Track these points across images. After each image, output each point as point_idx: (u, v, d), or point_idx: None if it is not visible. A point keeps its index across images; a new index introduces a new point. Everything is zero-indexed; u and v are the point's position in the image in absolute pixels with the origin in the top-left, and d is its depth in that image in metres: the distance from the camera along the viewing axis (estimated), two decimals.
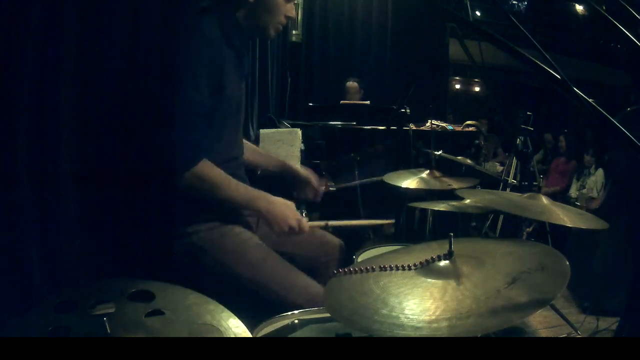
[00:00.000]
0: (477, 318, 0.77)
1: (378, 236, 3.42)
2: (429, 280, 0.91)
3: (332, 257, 1.72)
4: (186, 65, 1.40)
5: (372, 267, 1.00)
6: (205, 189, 1.41)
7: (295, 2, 1.59)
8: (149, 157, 1.77)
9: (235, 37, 1.51)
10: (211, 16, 1.48)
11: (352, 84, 4.35)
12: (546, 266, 0.91)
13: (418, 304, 0.84)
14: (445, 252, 0.95)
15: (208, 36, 1.43)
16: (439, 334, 0.75)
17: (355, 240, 1.87)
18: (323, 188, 1.81)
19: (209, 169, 1.41)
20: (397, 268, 0.97)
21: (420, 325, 0.78)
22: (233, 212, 1.54)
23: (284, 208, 1.48)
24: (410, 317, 0.80)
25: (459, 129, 3.75)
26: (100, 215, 1.90)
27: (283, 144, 2.56)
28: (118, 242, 1.96)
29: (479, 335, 0.77)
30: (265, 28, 1.54)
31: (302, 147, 2.61)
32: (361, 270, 1.01)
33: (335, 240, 1.77)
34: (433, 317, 0.79)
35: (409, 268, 0.97)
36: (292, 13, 1.57)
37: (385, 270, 0.98)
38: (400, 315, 0.81)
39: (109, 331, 0.87)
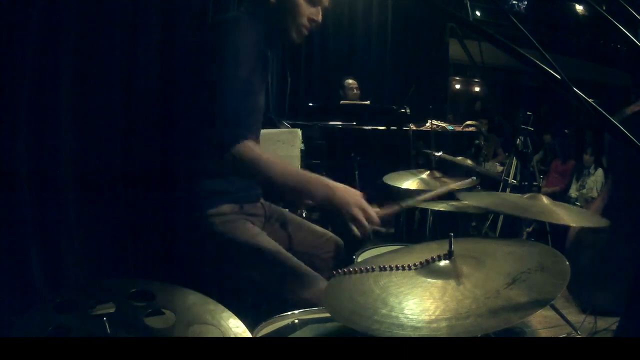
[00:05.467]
0: (477, 318, 0.77)
1: (378, 236, 3.42)
2: (429, 280, 0.91)
3: (332, 255, 1.74)
4: (230, 51, 1.40)
5: (372, 267, 1.00)
6: (248, 169, 1.37)
7: (323, 6, 1.55)
8: (172, 151, 1.77)
9: (261, 40, 1.50)
10: (250, 16, 1.49)
11: (350, 80, 4.36)
12: (546, 266, 0.91)
13: (418, 304, 0.84)
14: (445, 252, 0.95)
15: (247, 30, 1.44)
16: (438, 334, 0.75)
17: (355, 240, 1.87)
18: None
19: (250, 150, 1.35)
20: (397, 268, 0.97)
21: (419, 325, 0.78)
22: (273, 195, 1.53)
23: (344, 194, 1.35)
24: (410, 317, 0.80)
25: (459, 129, 3.75)
26: (104, 213, 1.90)
27: (283, 144, 2.56)
28: (124, 240, 1.96)
29: (478, 336, 0.77)
30: (286, 30, 1.53)
31: (302, 147, 2.61)
32: (361, 270, 1.01)
33: (336, 239, 1.79)
34: (433, 317, 0.79)
35: (409, 268, 0.97)
36: (318, 17, 1.54)
37: (385, 270, 0.98)
38: (400, 315, 0.81)
39: (108, 331, 0.87)
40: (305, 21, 1.53)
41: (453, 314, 0.79)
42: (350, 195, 1.35)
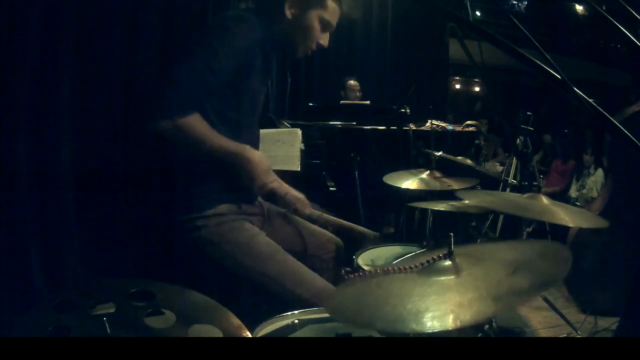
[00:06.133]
0: (480, 305, 0.76)
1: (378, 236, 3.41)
2: (431, 279, 0.91)
3: (332, 255, 1.74)
4: (215, 37, 1.41)
5: (377, 270, 0.99)
6: (188, 143, 1.38)
7: (331, 31, 1.59)
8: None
9: (268, 42, 1.51)
10: (256, 15, 1.50)
11: (352, 82, 4.35)
12: (547, 255, 0.90)
13: (420, 300, 0.83)
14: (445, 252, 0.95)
15: (246, 25, 1.44)
16: (442, 326, 0.74)
17: (355, 240, 1.87)
18: (306, 211, 1.77)
19: (196, 125, 1.37)
20: (400, 269, 0.97)
21: (423, 318, 0.77)
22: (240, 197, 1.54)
23: (254, 168, 1.45)
24: (413, 311, 0.79)
25: (459, 129, 3.75)
26: (103, 214, 1.90)
27: (283, 144, 2.55)
28: (123, 241, 1.97)
29: (480, 333, 0.77)
30: (294, 47, 1.56)
31: (302, 147, 2.61)
32: (371, 273, 0.99)
33: (336, 239, 1.78)
34: (436, 311, 0.78)
35: (410, 269, 0.96)
36: (325, 42, 1.58)
37: (389, 272, 0.97)
38: (402, 311, 0.80)
39: (109, 331, 0.87)
40: (313, 45, 1.56)
41: (456, 305, 0.78)
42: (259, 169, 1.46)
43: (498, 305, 0.76)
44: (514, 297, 0.77)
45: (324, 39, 1.58)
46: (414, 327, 0.75)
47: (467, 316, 0.74)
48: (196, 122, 1.37)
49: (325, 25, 1.55)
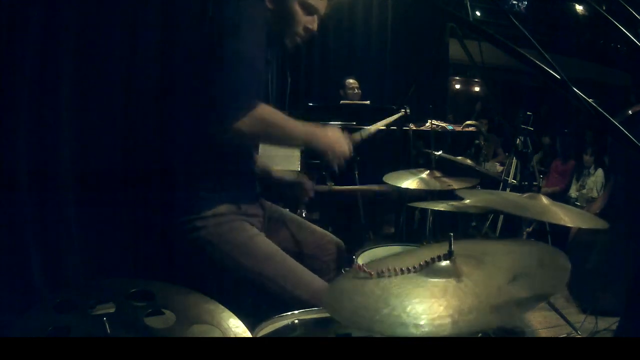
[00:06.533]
0: (479, 314, 0.76)
1: (378, 236, 3.42)
2: (430, 280, 0.91)
3: (332, 257, 1.74)
4: (245, 24, 1.40)
5: (371, 273, 0.99)
6: (267, 132, 1.42)
7: (319, 15, 1.56)
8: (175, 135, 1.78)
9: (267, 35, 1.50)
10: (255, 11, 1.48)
11: (351, 80, 4.36)
12: (545, 263, 0.90)
13: (419, 302, 0.83)
14: (445, 252, 0.95)
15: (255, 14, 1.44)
16: (441, 331, 0.75)
17: (355, 240, 1.87)
18: (311, 190, 1.79)
19: (270, 111, 1.41)
20: (397, 271, 0.97)
21: (422, 322, 0.77)
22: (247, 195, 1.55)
23: (338, 139, 1.53)
24: (412, 315, 0.80)
25: (459, 129, 3.75)
26: (102, 214, 1.90)
27: None
28: (123, 241, 1.97)
29: (480, 333, 0.77)
30: (280, 37, 1.54)
31: (302, 147, 2.61)
32: (370, 274, 0.99)
33: (336, 240, 1.78)
34: (435, 315, 0.78)
35: (409, 271, 0.96)
36: (313, 26, 1.55)
37: (384, 275, 0.97)
38: (402, 314, 0.80)
39: (109, 331, 0.87)
40: (300, 30, 1.54)
41: (456, 311, 0.78)
42: (341, 136, 1.54)
43: (497, 316, 0.76)
44: (514, 308, 0.77)
45: (312, 23, 1.55)
46: (413, 331, 0.75)
47: (467, 324, 0.74)
48: (265, 108, 1.40)
49: (308, 9, 1.52)
